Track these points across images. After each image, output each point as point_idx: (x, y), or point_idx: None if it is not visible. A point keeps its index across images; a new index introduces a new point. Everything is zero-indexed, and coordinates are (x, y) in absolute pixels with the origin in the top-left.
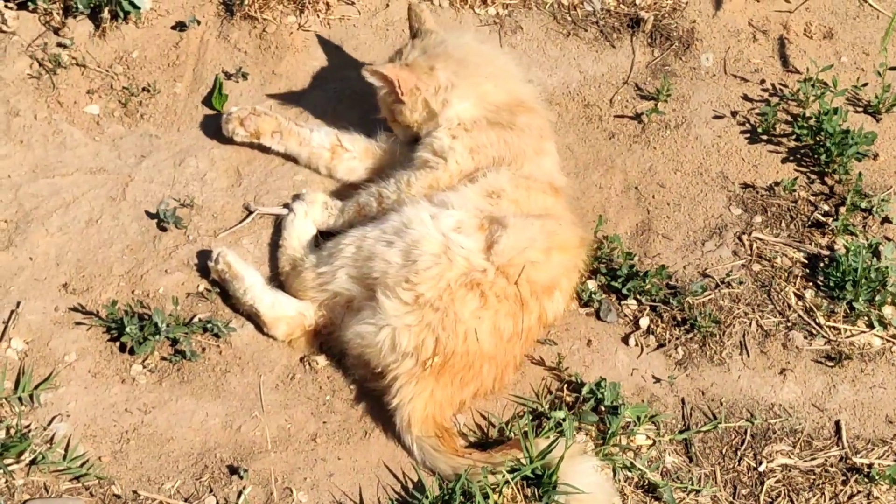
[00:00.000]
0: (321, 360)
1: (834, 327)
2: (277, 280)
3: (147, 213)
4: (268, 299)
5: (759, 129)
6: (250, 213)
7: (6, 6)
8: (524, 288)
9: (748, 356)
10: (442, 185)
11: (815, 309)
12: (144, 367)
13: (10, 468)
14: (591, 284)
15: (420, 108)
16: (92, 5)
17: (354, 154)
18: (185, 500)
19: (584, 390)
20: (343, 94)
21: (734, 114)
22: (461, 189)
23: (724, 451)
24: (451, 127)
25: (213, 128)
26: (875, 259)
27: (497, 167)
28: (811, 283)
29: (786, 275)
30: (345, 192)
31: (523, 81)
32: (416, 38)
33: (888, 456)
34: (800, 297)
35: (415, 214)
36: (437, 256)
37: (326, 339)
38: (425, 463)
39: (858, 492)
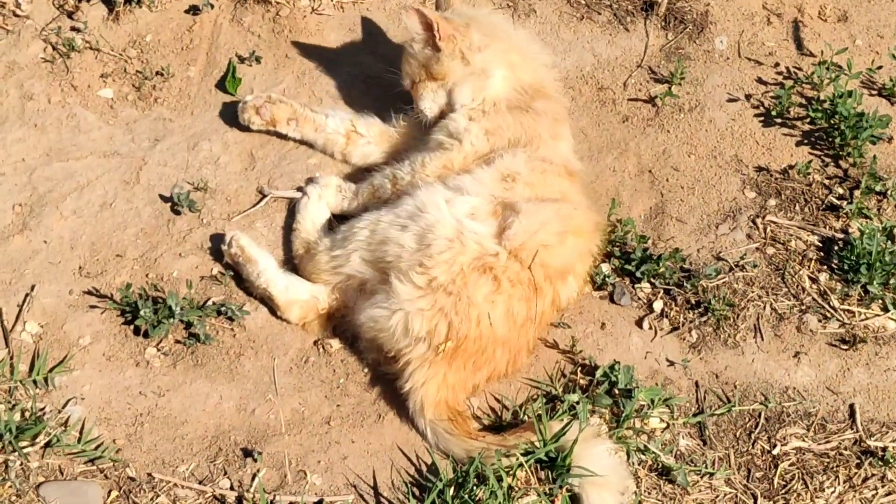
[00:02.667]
0: (335, 344)
1: (848, 310)
2: (291, 263)
3: (161, 196)
4: (281, 283)
5: (774, 113)
6: (264, 196)
7: None
8: (538, 272)
9: (762, 339)
10: (456, 167)
11: (829, 292)
12: (159, 350)
13: (25, 451)
14: (605, 267)
15: (458, 56)
16: None
17: (369, 139)
18: (200, 483)
19: (598, 373)
20: (356, 78)
21: (748, 97)
22: (477, 172)
23: (738, 434)
24: (471, 107)
25: (227, 112)
26: (890, 242)
27: (513, 149)
28: (825, 267)
29: (800, 258)
30: (360, 175)
31: (546, 66)
32: (439, 9)
33: None
34: (814, 281)
35: (429, 199)
36: (450, 241)
37: (340, 323)
38: (439, 446)
39: (873, 475)
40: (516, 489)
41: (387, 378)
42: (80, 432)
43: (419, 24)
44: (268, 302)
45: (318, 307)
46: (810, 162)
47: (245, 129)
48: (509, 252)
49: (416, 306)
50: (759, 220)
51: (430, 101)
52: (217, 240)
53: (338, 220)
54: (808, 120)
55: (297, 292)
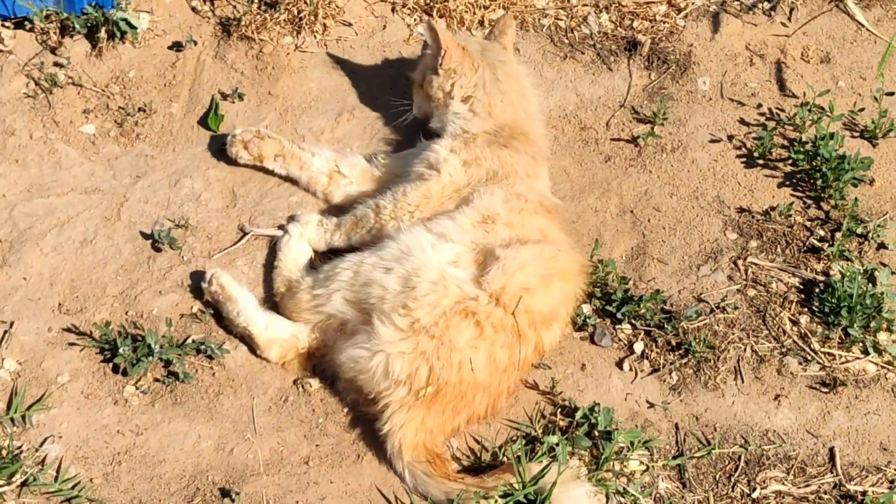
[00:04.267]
0: (314, 383)
1: (829, 353)
2: (272, 302)
3: (142, 233)
4: (261, 322)
5: (756, 154)
6: (245, 234)
7: (3, 25)
8: (522, 318)
9: (742, 382)
10: (434, 197)
11: (809, 335)
12: (137, 388)
13: (1, 490)
14: (586, 308)
15: (446, 89)
16: (89, 25)
17: (352, 179)
18: None
19: (578, 415)
20: (340, 116)
21: (731, 138)
22: (457, 217)
23: (717, 477)
24: (451, 138)
25: (209, 148)
26: (870, 285)
27: (489, 186)
28: (806, 309)
29: (781, 300)
30: (340, 213)
31: (533, 114)
32: (489, 37)
33: (882, 483)
34: (795, 323)
35: (415, 241)
36: (434, 284)
37: (319, 362)
38: (417, 489)
39: None
40: None
41: (366, 418)
42: (58, 471)
43: (432, 41)
44: (248, 341)
45: (297, 346)
46: (792, 204)
47: (231, 162)
48: (490, 295)
49: (398, 349)
50: (740, 262)
51: (415, 108)
52: (197, 277)
53: (321, 260)
54: (790, 161)
55: (278, 331)
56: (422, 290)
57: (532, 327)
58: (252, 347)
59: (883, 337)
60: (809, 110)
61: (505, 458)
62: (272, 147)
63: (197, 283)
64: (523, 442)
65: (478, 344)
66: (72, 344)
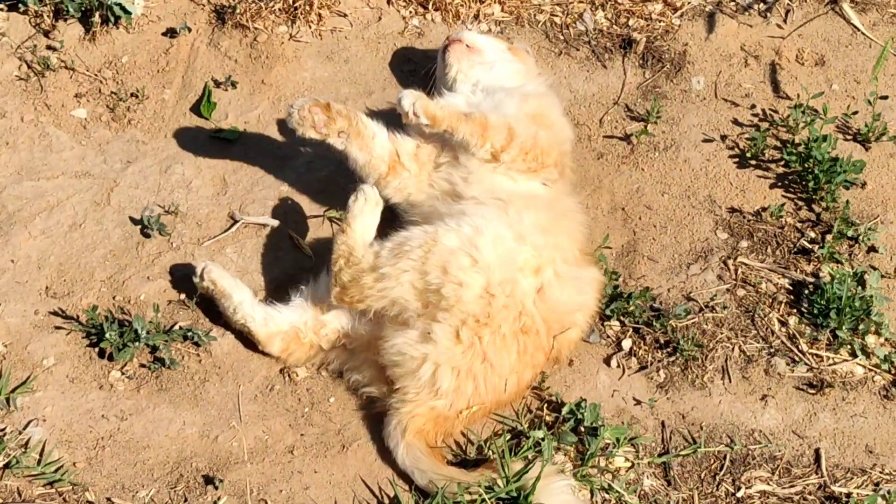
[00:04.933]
0: (301, 372)
1: (816, 355)
2: (266, 290)
3: (131, 218)
4: (259, 315)
5: (748, 154)
6: (235, 222)
7: None
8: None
9: (730, 381)
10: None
11: (798, 336)
12: (123, 373)
13: None
14: None
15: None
16: (83, 9)
17: (412, 173)
18: None
19: (564, 410)
20: None
21: (723, 138)
22: (529, 213)
23: (702, 475)
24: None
25: (201, 135)
26: (860, 288)
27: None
28: (795, 310)
29: (770, 301)
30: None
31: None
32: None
33: (867, 486)
34: (783, 324)
35: (497, 233)
36: (510, 298)
37: (326, 356)
38: (406, 464)
39: None
40: None
41: (351, 409)
42: (41, 454)
43: None
44: (247, 336)
45: (300, 337)
46: (783, 205)
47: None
48: (543, 318)
49: (454, 363)
50: (730, 262)
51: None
52: (186, 268)
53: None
54: (782, 163)
55: (278, 324)
56: (498, 303)
57: (558, 351)
58: (252, 344)
59: (871, 340)
60: (803, 112)
61: (490, 453)
62: (340, 124)
63: (185, 272)
64: (508, 437)
65: (518, 367)
66: (58, 327)
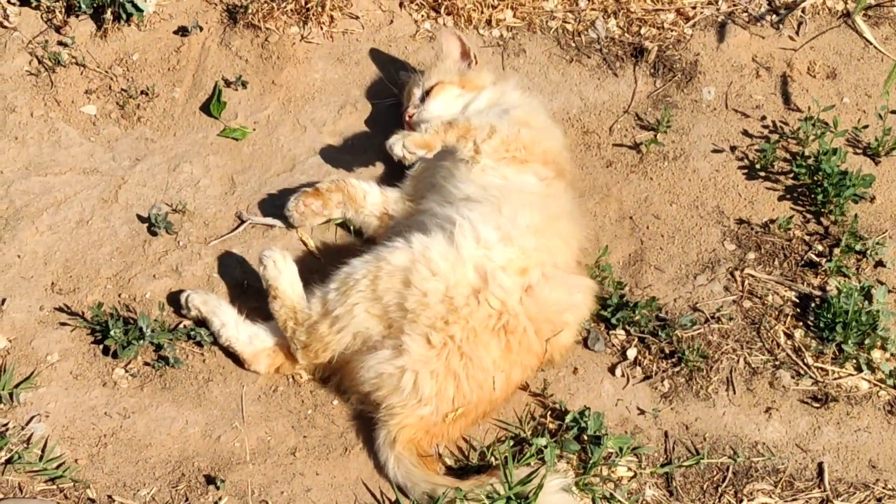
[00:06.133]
0: (305, 374)
1: (822, 368)
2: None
3: (138, 216)
4: (244, 335)
5: (758, 166)
6: (242, 222)
7: (9, 1)
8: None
9: (734, 393)
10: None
11: (803, 349)
12: (127, 371)
13: None
14: None
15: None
16: (95, 5)
17: (398, 219)
18: None
19: (568, 418)
20: (344, 108)
21: (733, 149)
22: (518, 214)
23: (704, 486)
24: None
25: (210, 134)
26: (867, 302)
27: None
28: (801, 323)
29: (776, 313)
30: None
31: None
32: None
33: (870, 501)
34: (789, 337)
35: (463, 237)
36: (476, 293)
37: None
38: (398, 479)
39: None
40: None
41: (353, 414)
42: (43, 450)
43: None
44: (234, 357)
45: (286, 353)
46: (791, 217)
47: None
48: (528, 317)
49: (431, 367)
50: (737, 273)
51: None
52: (191, 263)
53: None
54: (791, 175)
55: (263, 341)
56: (460, 301)
57: (549, 352)
58: (240, 363)
59: (877, 354)
60: (813, 125)
61: (493, 459)
62: (336, 198)
63: (191, 268)
64: (511, 443)
65: (503, 364)
66: (63, 324)
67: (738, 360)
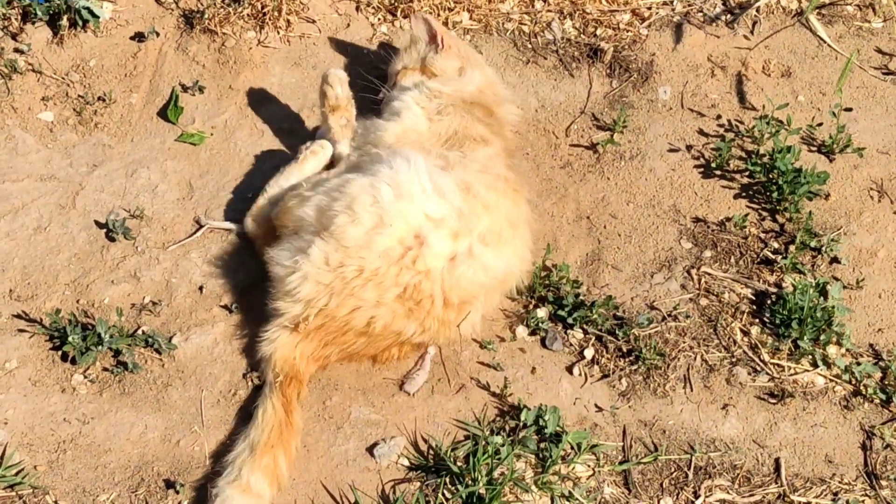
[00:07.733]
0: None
1: (778, 365)
2: (233, 294)
3: (96, 222)
4: None
5: (713, 164)
6: (201, 226)
7: None
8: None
9: (691, 390)
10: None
11: (759, 346)
12: (86, 377)
13: None
14: (540, 312)
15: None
16: (51, 12)
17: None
18: None
19: (526, 416)
20: (301, 112)
21: (689, 148)
22: (458, 171)
23: (663, 483)
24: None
25: (168, 140)
26: (822, 298)
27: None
28: (757, 320)
29: (732, 310)
30: None
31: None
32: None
33: (826, 495)
34: (745, 334)
35: (411, 179)
36: (401, 241)
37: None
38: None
39: None
40: None
41: (313, 414)
42: (1, 457)
43: (426, 31)
44: None
45: None
46: (747, 215)
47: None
48: (443, 287)
49: (318, 279)
50: (693, 271)
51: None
52: (147, 269)
53: None
54: (747, 173)
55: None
56: (384, 243)
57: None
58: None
59: (832, 350)
60: (768, 123)
61: (451, 459)
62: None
63: (149, 274)
64: (472, 443)
65: (396, 310)
66: (21, 330)
67: (695, 358)
